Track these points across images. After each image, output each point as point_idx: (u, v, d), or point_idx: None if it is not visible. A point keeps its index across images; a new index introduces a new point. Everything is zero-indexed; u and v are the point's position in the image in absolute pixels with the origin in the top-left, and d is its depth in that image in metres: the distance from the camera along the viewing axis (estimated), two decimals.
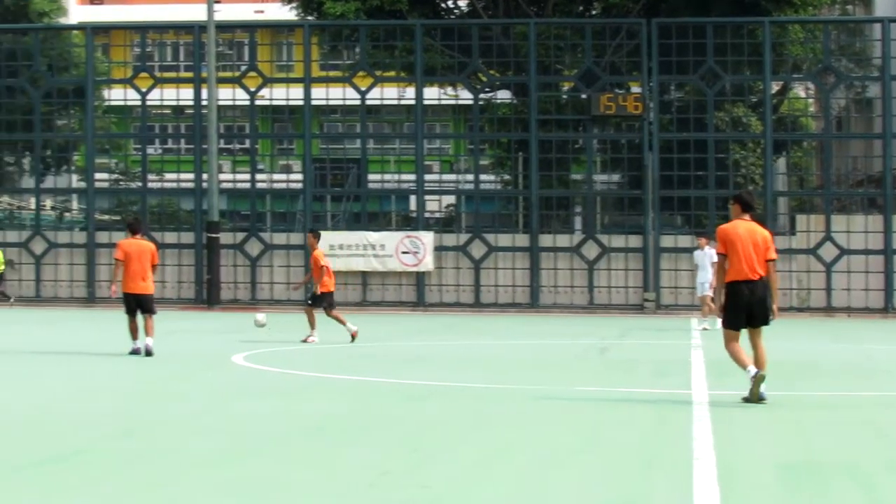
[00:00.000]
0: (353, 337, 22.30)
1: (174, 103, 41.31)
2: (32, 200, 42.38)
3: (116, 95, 42.80)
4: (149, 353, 18.75)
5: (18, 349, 20.77)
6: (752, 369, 12.96)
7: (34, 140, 39.85)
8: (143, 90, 38.95)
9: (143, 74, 39.89)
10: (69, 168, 44.44)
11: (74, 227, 42.94)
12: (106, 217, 43.09)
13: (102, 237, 38.89)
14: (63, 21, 47.06)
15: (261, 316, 20.13)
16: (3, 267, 37.50)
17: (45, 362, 18.42)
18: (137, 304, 19.26)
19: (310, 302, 23.39)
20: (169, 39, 48.86)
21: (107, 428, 11.55)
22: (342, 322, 22.65)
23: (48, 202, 46.36)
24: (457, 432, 11.48)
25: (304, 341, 22.46)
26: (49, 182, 43.36)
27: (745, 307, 13.13)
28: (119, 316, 20.23)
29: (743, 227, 13.34)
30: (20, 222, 42.75)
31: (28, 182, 43.25)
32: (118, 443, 10.75)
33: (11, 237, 39.23)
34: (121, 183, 44.67)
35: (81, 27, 43.48)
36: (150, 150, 43.25)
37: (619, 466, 9.58)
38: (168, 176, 42.19)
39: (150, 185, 40.36)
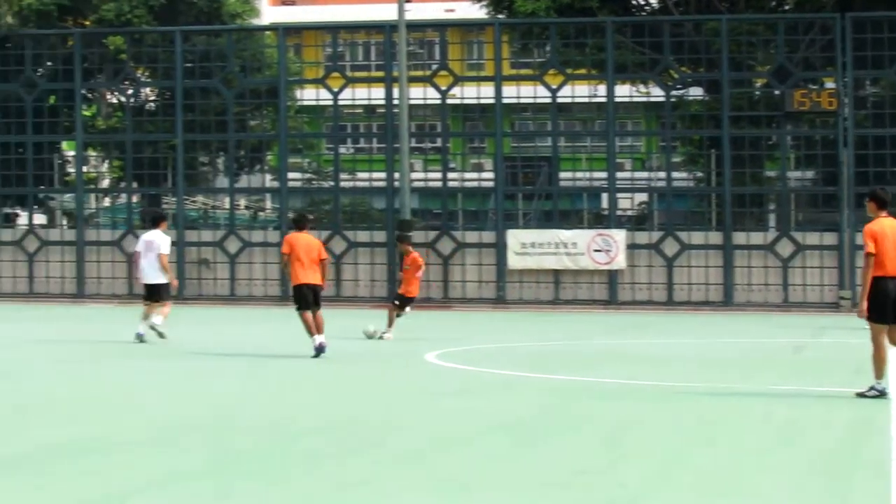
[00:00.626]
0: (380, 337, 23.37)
1: (366, 103, 42.66)
2: (226, 200, 44.24)
3: (309, 95, 44.48)
4: (321, 351, 19.14)
5: (219, 348, 21.60)
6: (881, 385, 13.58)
7: (228, 140, 41.64)
8: (335, 90, 40.42)
9: (335, 74, 41.39)
10: (262, 168, 46.09)
11: (268, 226, 44.72)
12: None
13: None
14: (255, 22, 48.59)
15: (371, 327, 20.31)
16: None
17: (245, 360, 19.23)
18: (314, 296, 19.46)
19: (397, 302, 24.38)
20: (360, 39, 50.31)
21: (305, 425, 12.13)
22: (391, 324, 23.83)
23: (242, 202, 48.18)
24: (651, 431, 11.76)
25: (381, 338, 23.46)
26: (243, 182, 45.04)
27: (892, 304, 13.59)
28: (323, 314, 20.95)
29: (888, 225, 13.78)
30: (215, 221, 44.72)
31: (222, 182, 44.97)
32: (315, 440, 11.22)
33: (206, 236, 41.09)
34: (313, 182, 46.21)
35: (274, 28, 45.24)
36: (342, 150, 44.85)
37: (815, 466, 9.84)
38: (360, 175, 43.57)
39: (342, 184, 41.86)
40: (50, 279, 41.32)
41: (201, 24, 43.62)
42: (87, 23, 43.84)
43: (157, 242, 22.68)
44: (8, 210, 44.89)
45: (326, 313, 20.00)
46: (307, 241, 19.80)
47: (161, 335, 21.91)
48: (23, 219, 44.80)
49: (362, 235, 40.21)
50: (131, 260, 24.10)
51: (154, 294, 22.54)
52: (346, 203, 42.94)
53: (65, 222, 45.59)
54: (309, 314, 19.32)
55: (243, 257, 40.59)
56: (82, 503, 8.40)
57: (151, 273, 22.54)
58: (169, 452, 10.40)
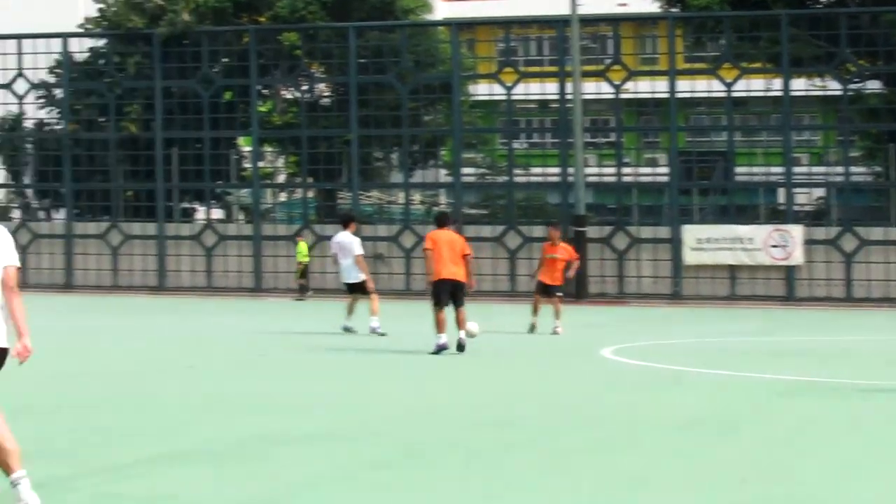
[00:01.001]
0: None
1: (539, 97, 43.63)
2: (401, 195, 45.50)
3: (482, 90, 45.49)
4: (461, 348, 19.27)
5: (395, 344, 21.79)
6: None
7: (402, 135, 43.00)
8: (509, 85, 41.48)
9: (508, 69, 42.49)
10: (437, 163, 47.30)
11: None
12: (473, 211, 45.73)
13: (470, 231, 41.52)
14: (428, 18, 49.54)
15: (473, 327, 20.02)
16: (307, 259, 40.40)
17: (423, 356, 19.48)
18: (452, 292, 19.58)
19: (560, 294, 25.19)
20: (533, 34, 51.27)
21: (483, 419, 12.56)
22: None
23: (417, 197, 49.42)
24: (829, 429, 12.10)
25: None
26: (417, 177, 46.28)
27: None
28: (498, 309, 21.71)
29: None
30: (390, 217, 46.07)
31: (397, 177, 46.31)
32: (493, 434, 11.61)
33: (382, 231, 42.49)
34: (487, 177, 47.32)
35: (447, 23, 46.47)
36: (515, 145, 46.01)
37: None
38: (534, 170, 44.59)
39: (516, 179, 42.93)
40: (228, 273, 43.12)
41: (374, 19, 44.82)
42: (262, 19, 45.36)
43: (350, 244, 24.01)
44: (186, 205, 46.91)
45: (503, 308, 20.78)
46: (450, 238, 20.02)
47: (381, 334, 22.97)
48: (200, 214, 46.86)
49: (537, 231, 41.24)
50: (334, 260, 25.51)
51: (357, 290, 23.95)
52: (521, 198, 44.04)
53: (241, 217, 47.43)
54: (443, 312, 19.38)
55: (418, 252, 41.86)
56: (287, 487, 9.05)
57: (352, 273, 23.98)
58: (358, 444, 10.96)
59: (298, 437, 11.38)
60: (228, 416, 12.79)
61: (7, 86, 45.30)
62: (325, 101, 46.81)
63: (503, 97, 42.52)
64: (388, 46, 43.71)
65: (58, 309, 32.72)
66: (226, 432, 11.64)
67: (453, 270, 19.57)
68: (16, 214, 47.80)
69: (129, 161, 45.25)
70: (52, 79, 46.15)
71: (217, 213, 47.85)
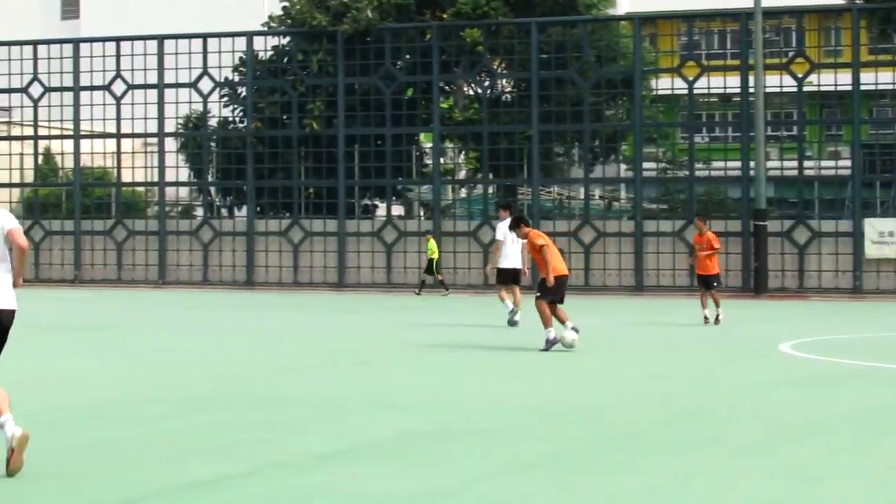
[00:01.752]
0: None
1: (721, 91, 45.31)
2: (581, 190, 47.62)
3: (663, 85, 47.37)
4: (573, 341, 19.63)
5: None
6: None
7: (583, 130, 45.12)
8: (690, 79, 43.43)
9: (690, 63, 44.44)
10: (617, 158, 49.10)
11: (622, 216, 47.94)
12: (653, 206, 47.61)
13: (650, 226, 43.63)
14: (611, 12, 51.13)
15: (570, 336, 19.86)
16: (437, 256, 42.72)
17: (593, 351, 19.92)
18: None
19: (716, 284, 27.05)
20: (716, 27, 52.60)
21: (649, 413, 12.98)
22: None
23: (596, 192, 51.42)
24: None
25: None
26: (597, 172, 48.20)
27: None
28: (680, 303, 22.07)
29: None
30: (569, 212, 48.22)
31: (577, 172, 48.39)
32: (661, 429, 11.93)
33: (560, 226, 44.71)
34: (668, 172, 49.14)
35: (629, 18, 48.38)
36: (697, 139, 47.74)
37: None
38: (715, 164, 46.30)
39: (697, 173, 44.81)
40: (407, 269, 45.76)
41: (557, 14, 46.67)
42: (445, 16, 47.40)
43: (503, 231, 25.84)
44: (367, 201, 49.62)
45: (684, 302, 21.44)
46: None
47: (513, 324, 25.18)
48: (381, 210, 49.53)
49: (717, 225, 42.95)
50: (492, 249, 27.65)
51: (515, 278, 25.98)
52: (701, 192, 45.93)
53: (422, 213, 50.00)
54: (555, 306, 19.74)
55: (597, 247, 44.01)
56: (453, 481, 9.34)
57: (516, 258, 25.83)
58: (512, 441, 11.19)
59: (461, 432, 11.73)
60: (397, 411, 13.18)
61: (192, 84, 48.55)
62: (507, 96, 48.83)
63: (685, 91, 44.37)
64: (570, 42, 45.68)
65: (240, 305, 34.85)
66: (389, 427, 11.99)
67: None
68: (199, 212, 51.08)
69: (311, 158, 47.94)
70: (236, 77, 49.16)
71: (397, 210, 50.36)
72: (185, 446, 10.80)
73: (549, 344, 19.54)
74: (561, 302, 19.95)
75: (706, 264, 26.66)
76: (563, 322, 19.69)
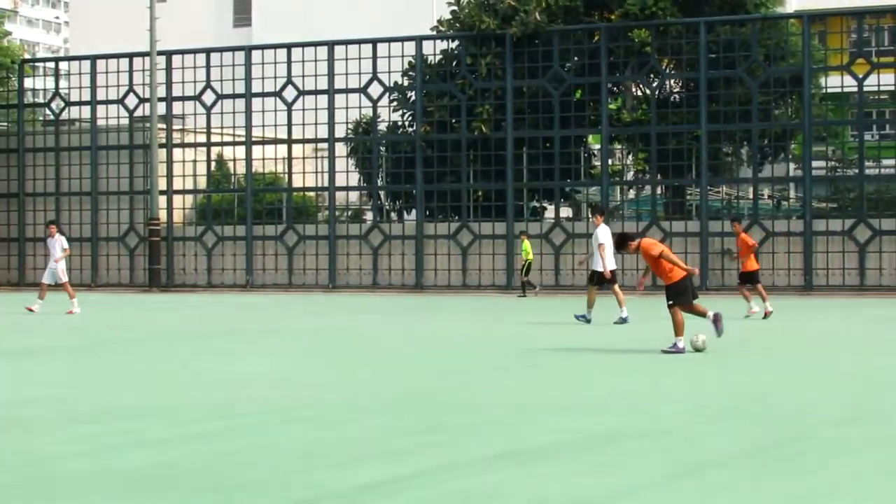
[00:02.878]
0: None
1: (892, 88, 46.00)
2: (750, 190, 48.69)
3: (833, 82, 48.30)
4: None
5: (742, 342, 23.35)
6: None
7: (751, 130, 46.22)
8: (860, 76, 44.22)
9: (860, 60, 45.20)
10: (786, 157, 49.94)
11: (792, 216, 48.98)
12: (823, 205, 48.37)
13: (819, 225, 44.53)
14: (780, 10, 51.78)
15: (700, 340, 20.36)
16: (532, 257, 43.99)
17: (757, 352, 20.68)
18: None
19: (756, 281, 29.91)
20: (886, 24, 52.90)
21: (826, 416, 13.18)
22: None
23: (765, 191, 52.26)
24: None
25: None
26: (766, 171, 49.11)
27: None
28: (849, 303, 22.69)
29: None
30: (738, 212, 49.38)
31: (745, 172, 49.62)
32: (845, 429, 12.21)
33: (729, 227, 45.38)
34: (837, 170, 49.85)
35: (798, 15, 49.28)
36: (867, 137, 48.64)
37: None
38: (885, 162, 46.89)
39: (866, 171, 45.59)
40: (575, 271, 47.21)
41: (725, 13, 47.89)
42: (613, 17, 48.77)
43: (597, 234, 28.53)
44: (535, 204, 51.11)
45: (853, 302, 22.04)
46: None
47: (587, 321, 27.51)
48: (549, 212, 50.97)
49: (886, 223, 43.83)
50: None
51: (598, 279, 28.48)
52: (871, 191, 46.72)
53: (590, 215, 51.10)
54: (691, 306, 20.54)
55: (766, 247, 45.02)
56: (615, 488, 9.47)
57: (596, 261, 28.51)
58: (686, 443, 11.46)
59: (634, 434, 12.05)
60: (567, 412, 13.56)
61: (362, 89, 50.66)
62: (675, 97, 50.08)
63: (854, 89, 45.16)
64: (739, 40, 46.77)
65: (409, 308, 36.45)
66: (562, 429, 12.30)
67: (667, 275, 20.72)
68: (368, 216, 53.06)
69: (480, 161, 49.68)
70: (405, 81, 51.16)
71: (566, 212, 51.75)
72: (358, 449, 11.25)
73: (675, 350, 20.02)
74: (695, 297, 20.71)
75: (744, 263, 30.84)
76: (704, 315, 20.45)
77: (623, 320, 27.65)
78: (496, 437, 11.97)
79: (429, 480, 9.83)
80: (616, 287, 28.46)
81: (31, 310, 33.75)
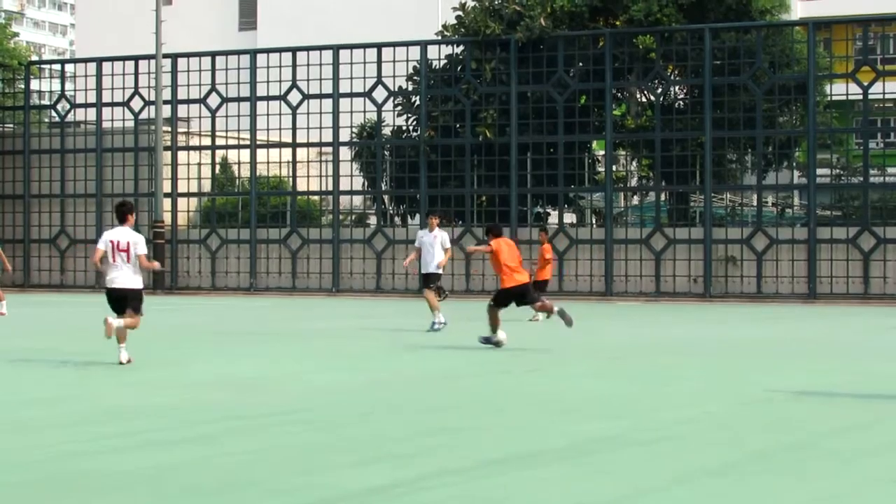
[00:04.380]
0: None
1: None
2: (754, 197, 48.45)
3: (838, 90, 48.08)
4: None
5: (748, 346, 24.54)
6: None
7: (755, 137, 46.04)
8: (865, 84, 44.08)
9: (866, 68, 45.08)
10: (790, 164, 49.82)
11: (796, 223, 48.77)
12: (827, 213, 48.29)
13: (823, 233, 44.43)
14: (785, 17, 51.63)
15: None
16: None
17: (772, 357, 21.27)
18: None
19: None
20: (892, 32, 52.84)
21: (831, 420, 13.48)
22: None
23: (769, 198, 52.18)
24: None
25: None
26: (770, 178, 48.99)
27: None
28: (852, 311, 22.88)
29: None
30: (742, 219, 49.13)
31: (749, 179, 49.37)
32: (838, 436, 12.39)
33: (733, 234, 45.85)
34: (842, 178, 49.71)
35: (803, 23, 49.17)
36: (871, 145, 48.30)
37: None
38: (890, 170, 46.81)
39: (871, 179, 45.48)
40: (578, 277, 47.10)
41: (730, 20, 47.71)
42: (618, 23, 48.65)
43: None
44: (539, 209, 50.98)
45: (855, 310, 22.30)
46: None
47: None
48: (553, 218, 50.83)
49: (891, 231, 43.71)
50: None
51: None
52: (875, 199, 46.60)
53: (594, 221, 51.20)
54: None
55: (770, 255, 44.91)
56: (612, 494, 9.55)
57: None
58: (688, 449, 11.65)
59: (646, 440, 12.19)
60: (577, 415, 13.89)
61: (367, 94, 50.52)
62: (680, 103, 49.98)
63: (859, 97, 45.04)
64: (744, 47, 46.60)
65: (413, 312, 36.46)
66: (569, 434, 12.49)
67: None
68: (372, 221, 52.93)
69: (484, 166, 49.51)
70: (410, 86, 51.03)
71: (569, 218, 51.61)
72: (365, 452, 11.40)
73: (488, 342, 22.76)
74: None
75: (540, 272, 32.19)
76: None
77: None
78: (500, 441, 12.04)
79: (434, 483, 9.91)
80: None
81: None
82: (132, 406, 14.61)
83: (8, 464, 10.87)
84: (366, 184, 52.79)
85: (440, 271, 28.42)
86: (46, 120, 59.46)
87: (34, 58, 63.89)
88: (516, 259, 23.19)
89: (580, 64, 49.01)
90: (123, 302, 19.96)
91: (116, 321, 19.66)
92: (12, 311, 34.76)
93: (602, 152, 50.02)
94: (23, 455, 11.28)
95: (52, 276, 54.67)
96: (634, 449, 11.68)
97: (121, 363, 19.53)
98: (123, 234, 19.97)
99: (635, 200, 52.93)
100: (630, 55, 47.80)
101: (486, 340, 22.87)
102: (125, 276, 19.89)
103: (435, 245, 28.26)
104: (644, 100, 50.27)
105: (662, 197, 48.64)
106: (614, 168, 49.04)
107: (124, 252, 19.80)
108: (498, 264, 23.10)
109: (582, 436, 12.38)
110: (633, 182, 52.18)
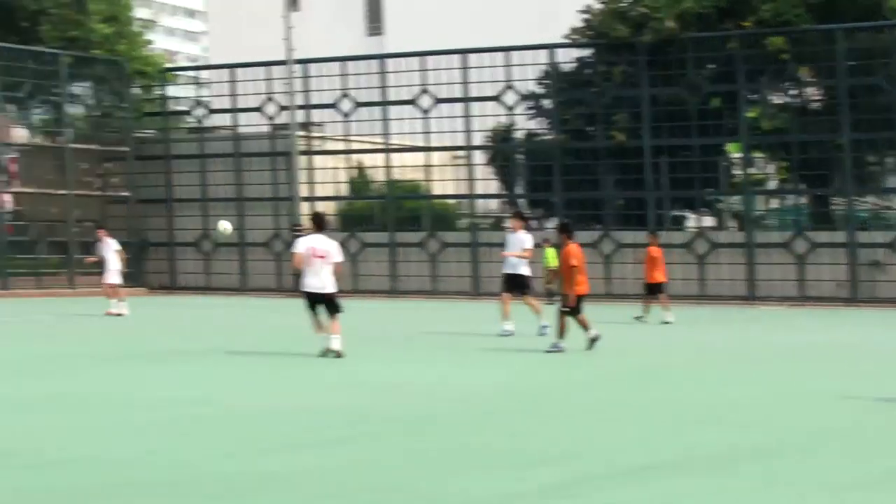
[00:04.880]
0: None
1: None
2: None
3: None
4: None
5: None
6: None
7: (894, 138, 45.19)
8: None
9: None
10: None
11: None
12: None
13: None
14: None
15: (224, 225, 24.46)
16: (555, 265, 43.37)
17: None
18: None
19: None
20: None
21: None
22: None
23: None
24: None
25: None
26: None
27: None
28: None
29: None
30: (886, 222, 48.55)
31: (893, 181, 48.80)
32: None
33: (877, 237, 45.09)
34: None
35: None
36: None
37: None
38: None
39: None
40: (721, 281, 46.66)
41: (862, 20, 46.82)
42: (747, 24, 47.85)
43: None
44: (676, 213, 50.57)
45: None
46: None
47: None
48: (691, 221, 50.40)
49: None
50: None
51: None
52: None
53: (733, 224, 50.77)
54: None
55: None
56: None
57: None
58: (841, 458, 11.64)
59: (794, 447, 12.22)
60: (720, 424, 13.89)
61: (496, 98, 50.35)
62: (815, 105, 49.20)
63: None
64: (878, 47, 45.88)
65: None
66: (712, 443, 12.53)
67: None
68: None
69: (618, 170, 49.18)
70: (540, 89, 50.76)
71: (708, 221, 51.16)
72: (488, 459, 11.46)
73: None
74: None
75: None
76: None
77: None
78: (642, 448, 12.06)
79: (580, 491, 9.92)
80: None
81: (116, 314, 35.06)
82: (278, 408, 14.93)
83: (174, 463, 11.16)
84: (501, 188, 52.52)
85: (524, 272, 28.24)
86: (185, 126, 59.88)
87: (169, 65, 64.17)
88: None
89: (711, 66, 48.49)
90: (321, 304, 21.68)
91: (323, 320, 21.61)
92: (177, 312, 35.23)
93: (738, 155, 49.36)
94: (178, 455, 11.60)
95: (196, 279, 55.04)
96: (784, 459, 11.51)
97: (332, 351, 21.38)
98: (321, 242, 21.76)
99: (774, 203, 52.23)
100: (762, 57, 47.00)
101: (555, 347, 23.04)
102: (322, 280, 21.62)
103: (516, 247, 28.42)
104: (778, 102, 49.52)
105: (802, 200, 47.96)
106: (751, 171, 48.46)
107: (321, 258, 21.46)
108: (580, 269, 23.45)
109: (724, 444, 12.30)
110: (772, 185, 51.41)
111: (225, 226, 26.57)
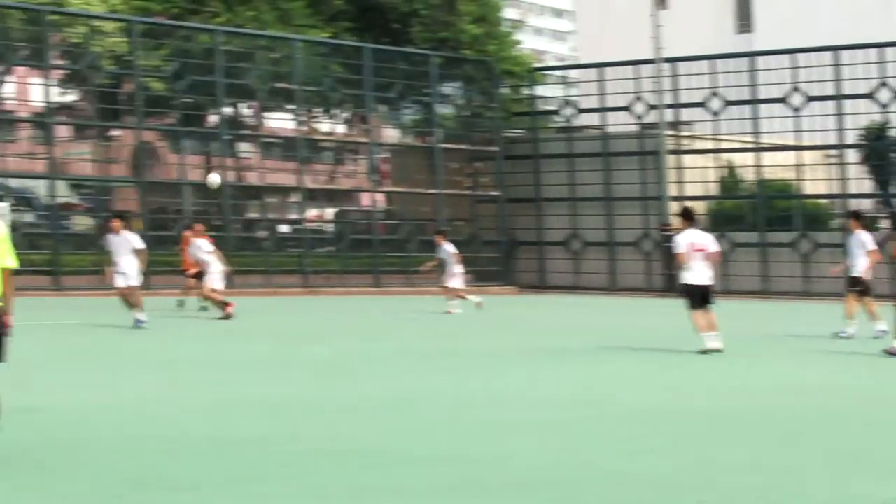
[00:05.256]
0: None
1: None
2: None
3: None
4: None
5: None
6: None
7: None
8: None
9: None
10: None
11: None
12: None
13: None
14: None
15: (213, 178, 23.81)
16: None
17: None
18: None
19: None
20: None
21: None
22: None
23: None
24: None
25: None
26: None
27: None
28: None
29: None
30: None
31: None
32: None
33: None
34: None
35: None
36: None
37: None
38: None
39: None
40: None
41: None
42: None
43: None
44: None
45: None
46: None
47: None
48: None
49: None
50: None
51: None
52: None
53: None
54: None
55: None
56: None
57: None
58: None
59: None
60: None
61: (870, 95, 48.98)
62: None
63: None
64: None
65: None
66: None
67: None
68: (884, 224, 51.16)
69: None
70: None
71: None
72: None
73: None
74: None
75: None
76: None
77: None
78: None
79: None
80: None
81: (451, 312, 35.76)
82: (665, 409, 14.75)
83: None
84: (875, 187, 51.13)
85: (861, 275, 27.56)
86: (553, 125, 60.35)
87: (537, 65, 64.78)
88: None
89: None
90: (706, 296, 22.11)
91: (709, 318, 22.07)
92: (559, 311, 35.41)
93: None
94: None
95: (565, 278, 55.31)
96: None
97: (713, 350, 21.80)
98: (699, 237, 22.40)
99: None
100: None
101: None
102: (704, 274, 22.14)
103: (857, 248, 27.92)
104: None
105: None
106: None
107: (701, 251, 22.03)
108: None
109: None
110: None
111: (214, 179, 27.04)
